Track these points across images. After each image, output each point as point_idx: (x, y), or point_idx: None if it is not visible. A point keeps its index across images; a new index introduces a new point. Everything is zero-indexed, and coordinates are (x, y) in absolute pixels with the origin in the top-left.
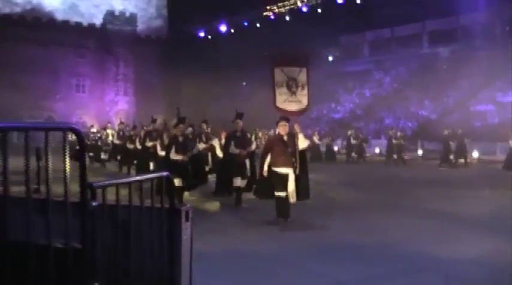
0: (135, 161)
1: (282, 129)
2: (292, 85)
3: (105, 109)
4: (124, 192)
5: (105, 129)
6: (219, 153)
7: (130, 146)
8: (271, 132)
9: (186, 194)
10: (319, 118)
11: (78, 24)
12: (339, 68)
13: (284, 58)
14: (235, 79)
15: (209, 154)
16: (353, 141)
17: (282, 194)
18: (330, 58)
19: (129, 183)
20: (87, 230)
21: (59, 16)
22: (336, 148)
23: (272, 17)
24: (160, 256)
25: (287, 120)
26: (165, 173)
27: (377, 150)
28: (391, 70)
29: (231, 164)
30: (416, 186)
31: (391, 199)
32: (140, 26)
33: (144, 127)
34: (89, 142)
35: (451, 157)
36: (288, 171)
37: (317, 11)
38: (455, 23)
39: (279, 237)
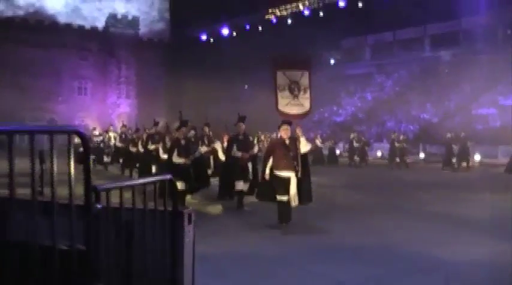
0: (137, 164)
1: (284, 133)
2: (294, 89)
3: (107, 111)
4: (127, 195)
5: (107, 131)
6: (221, 156)
7: (132, 149)
8: (274, 135)
9: (188, 197)
10: (321, 122)
11: (81, 27)
12: (340, 71)
13: (286, 62)
14: (237, 82)
15: (211, 157)
16: (355, 144)
17: (284, 198)
18: (332, 61)
19: (133, 186)
20: (92, 232)
21: (62, 19)
22: (337, 152)
23: (274, 21)
24: (163, 258)
25: (289, 123)
26: (168, 176)
27: (379, 153)
28: (393, 73)
29: (234, 168)
30: (418, 189)
31: (392, 202)
32: (142, 29)
33: (147, 130)
34: (91, 145)
35: (454, 160)
36: (290, 174)
37: (319, 14)
38: (457, 26)
39: (280, 239)
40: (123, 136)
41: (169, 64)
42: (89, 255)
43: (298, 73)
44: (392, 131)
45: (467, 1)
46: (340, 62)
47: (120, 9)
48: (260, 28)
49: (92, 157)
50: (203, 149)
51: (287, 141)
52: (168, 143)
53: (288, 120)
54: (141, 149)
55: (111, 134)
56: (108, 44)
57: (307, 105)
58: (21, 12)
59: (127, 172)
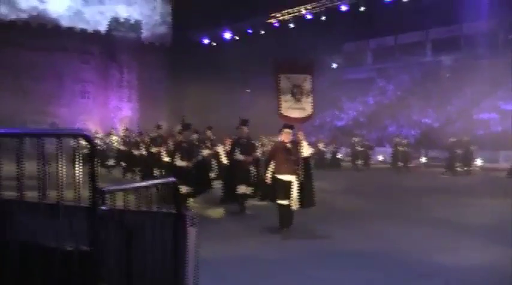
0: (137, 168)
1: (285, 137)
2: (296, 93)
3: (109, 115)
4: (131, 197)
5: (109, 135)
6: (224, 160)
7: (135, 152)
8: (277, 138)
9: (190, 200)
10: (323, 126)
11: (83, 31)
12: (342, 76)
13: (289, 66)
14: (239, 86)
15: (215, 161)
16: (358, 148)
17: (285, 202)
18: (334, 65)
19: (138, 188)
20: (97, 234)
21: (64, 23)
22: (339, 156)
23: (276, 25)
24: (166, 260)
25: (290, 127)
26: (171, 179)
27: (380, 158)
28: (394, 78)
29: (236, 171)
30: (419, 194)
31: (393, 207)
32: (145, 33)
33: (149, 134)
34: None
35: (457, 164)
36: (291, 178)
37: (321, 18)
38: (459, 31)
39: (281, 244)
40: (127, 139)
41: (171, 68)
42: (94, 256)
43: (300, 77)
44: (395, 135)
45: (468, 6)
46: (342, 66)
47: (123, 12)
48: (262, 32)
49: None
50: (205, 152)
51: (288, 145)
52: (171, 147)
53: (290, 124)
54: (144, 153)
55: (114, 137)
56: (110, 47)
57: (309, 109)
58: (24, 16)
59: (129, 175)
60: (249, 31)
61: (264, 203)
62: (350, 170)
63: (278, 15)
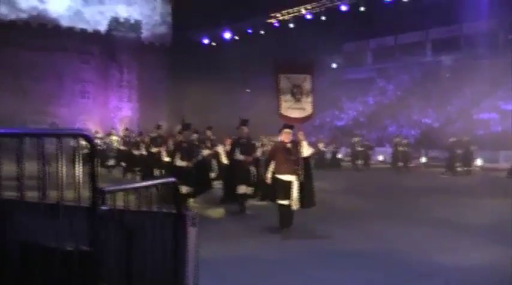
0: (137, 168)
1: (285, 137)
2: (296, 93)
3: (109, 115)
4: (132, 197)
5: (109, 135)
6: (224, 160)
7: (136, 152)
8: (277, 138)
9: (190, 200)
10: (322, 126)
11: (83, 31)
12: (342, 76)
13: (289, 66)
14: (239, 86)
15: (215, 161)
16: (358, 148)
17: (285, 202)
18: (333, 65)
19: (138, 188)
20: (97, 234)
21: (64, 23)
22: (339, 156)
23: (276, 25)
24: (166, 260)
25: (290, 127)
26: (171, 179)
27: (380, 158)
28: (395, 78)
29: (236, 171)
30: (419, 194)
31: (392, 207)
32: (145, 33)
33: (149, 134)
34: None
35: (457, 164)
36: (291, 178)
37: (321, 18)
38: (459, 31)
39: (281, 244)
40: (126, 139)
41: (171, 68)
42: (94, 256)
43: (300, 77)
44: (395, 135)
45: (468, 6)
46: (342, 66)
47: (123, 12)
48: (262, 32)
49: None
50: (205, 152)
51: (288, 145)
52: (171, 147)
53: (290, 124)
54: (144, 153)
55: (114, 137)
56: (110, 47)
57: (309, 109)
58: (24, 16)
59: (129, 175)
60: (249, 31)
61: (264, 203)
62: (350, 170)
63: (278, 15)
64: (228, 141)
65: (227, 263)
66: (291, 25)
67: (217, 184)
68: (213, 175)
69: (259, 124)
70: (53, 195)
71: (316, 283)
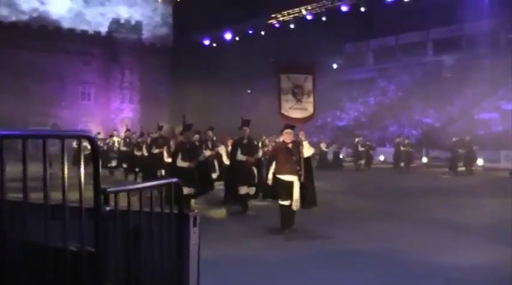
0: (138, 169)
1: (287, 137)
2: (297, 93)
3: (110, 116)
4: (134, 198)
5: (111, 136)
6: (226, 160)
7: (137, 153)
8: (279, 139)
9: (192, 201)
10: (324, 126)
11: (84, 32)
12: (343, 76)
13: (290, 66)
14: (240, 86)
15: (216, 161)
16: (360, 148)
17: (286, 202)
18: (335, 66)
19: (141, 189)
20: (101, 234)
21: (66, 24)
22: (341, 156)
23: (277, 25)
24: (169, 260)
25: (292, 127)
26: (174, 180)
27: (382, 158)
28: (395, 78)
29: (238, 172)
30: (420, 194)
31: (393, 207)
32: (146, 34)
33: (151, 134)
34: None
35: (459, 164)
36: (293, 179)
37: (321, 19)
38: (460, 31)
39: (283, 244)
40: (128, 140)
41: (172, 69)
42: (98, 256)
43: (302, 78)
44: (397, 135)
45: (469, 6)
46: (343, 67)
47: (124, 14)
48: (263, 33)
49: None
50: (207, 153)
51: (290, 145)
52: (173, 147)
53: (291, 124)
54: (146, 153)
55: (115, 138)
56: (112, 48)
57: (310, 109)
58: (25, 17)
59: (131, 177)
60: (250, 32)
61: (266, 203)
62: (352, 170)
63: (279, 16)
64: (230, 141)
65: (229, 264)
66: (292, 26)
67: (219, 185)
68: (214, 175)
69: (260, 125)
70: (56, 196)
71: (317, 283)
